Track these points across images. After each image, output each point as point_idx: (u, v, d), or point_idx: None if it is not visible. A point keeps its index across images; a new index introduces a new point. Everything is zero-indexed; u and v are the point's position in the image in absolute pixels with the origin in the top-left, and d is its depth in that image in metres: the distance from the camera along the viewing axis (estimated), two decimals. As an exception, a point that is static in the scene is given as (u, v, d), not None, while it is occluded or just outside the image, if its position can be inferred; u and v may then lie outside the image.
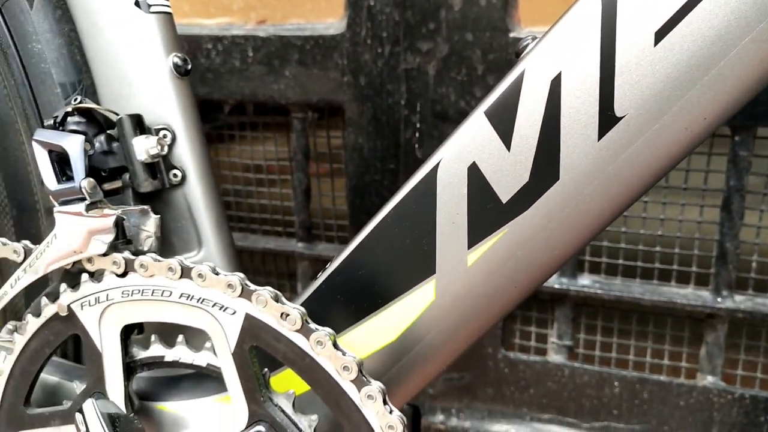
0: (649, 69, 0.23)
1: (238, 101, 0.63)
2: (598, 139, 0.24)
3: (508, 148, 0.26)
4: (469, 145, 0.26)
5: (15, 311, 0.36)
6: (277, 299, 0.26)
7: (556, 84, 0.25)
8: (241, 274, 0.27)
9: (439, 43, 0.53)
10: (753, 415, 0.54)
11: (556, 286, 0.56)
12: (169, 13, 0.33)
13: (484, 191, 0.26)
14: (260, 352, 0.27)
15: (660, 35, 0.23)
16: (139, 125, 0.31)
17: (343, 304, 0.29)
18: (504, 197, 0.26)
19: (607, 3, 0.24)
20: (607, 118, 0.24)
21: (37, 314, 0.30)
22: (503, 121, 0.26)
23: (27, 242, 0.31)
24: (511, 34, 0.51)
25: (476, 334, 0.29)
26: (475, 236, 0.27)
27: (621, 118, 0.24)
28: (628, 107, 0.24)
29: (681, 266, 0.55)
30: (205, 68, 0.62)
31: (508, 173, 0.26)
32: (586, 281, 0.56)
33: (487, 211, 0.26)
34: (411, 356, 0.29)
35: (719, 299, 0.53)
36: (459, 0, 0.52)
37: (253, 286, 0.27)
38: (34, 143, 0.29)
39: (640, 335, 0.58)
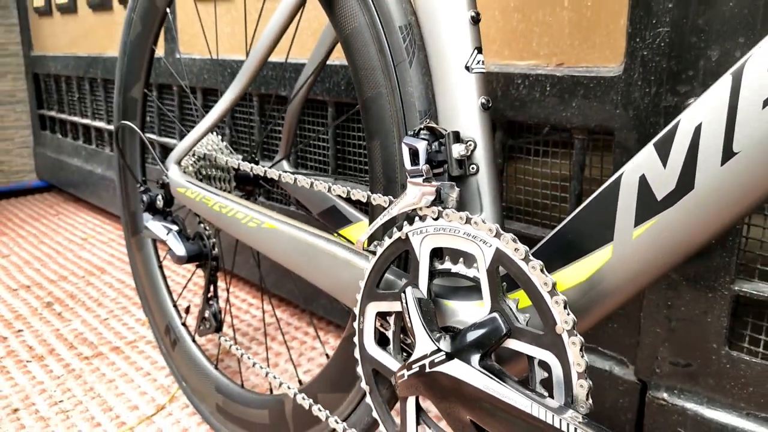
0: (758, 123, 0.37)
1: (536, 123, 0.83)
2: (721, 165, 0.39)
3: (665, 167, 0.41)
4: (641, 163, 0.43)
5: (378, 237, 0.62)
6: (515, 241, 0.46)
7: (698, 129, 0.40)
8: (498, 225, 0.48)
9: (695, 87, 0.66)
10: None
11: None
12: (484, 72, 0.55)
13: (647, 192, 0.42)
14: (505, 276, 0.48)
15: (767, 102, 0.37)
16: (456, 137, 0.53)
17: (557, 252, 0.48)
18: (659, 197, 0.42)
19: (735, 81, 0.38)
20: (728, 152, 0.38)
21: (390, 237, 0.56)
22: (664, 150, 0.41)
23: (391, 197, 0.57)
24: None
25: (636, 287, 0.44)
26: (638, 219, 0.43)
27: (737, 152, 0.38)
28: (743, 146, 0.38)
29: None
30: (515, 97, 0.83)
31: (662, 182, 0.41)
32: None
33: (647, 204, 0.42)
34: (592, 294, 0.46)
35: None
36: (717, 53, 0.64)
37: (503, 233, 0.47)
38: (403, 144, 0.54)
39: None
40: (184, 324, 1.03)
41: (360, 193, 0.61)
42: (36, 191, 2.53)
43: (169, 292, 1.08)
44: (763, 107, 0.37)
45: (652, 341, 0.74)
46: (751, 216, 0.67)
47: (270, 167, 0.76)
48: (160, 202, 0.85)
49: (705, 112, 0.39)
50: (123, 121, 0.98)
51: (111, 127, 1.96)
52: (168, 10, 0.95)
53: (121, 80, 1.05)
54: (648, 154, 0.42)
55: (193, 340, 1.01)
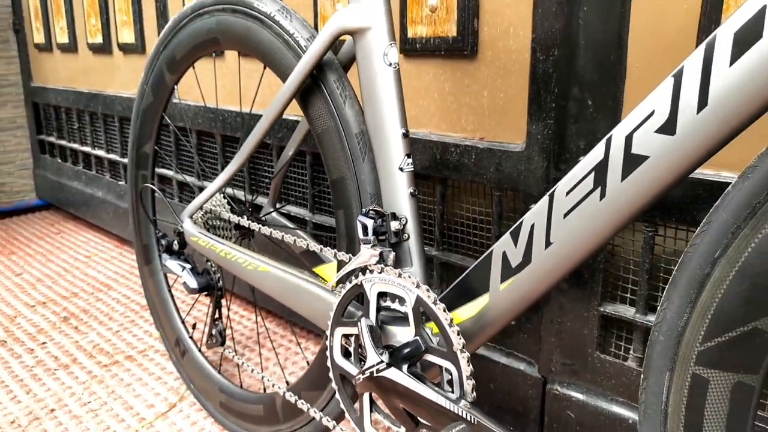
0: (564, 226, 0.62)
1: (468, 181, 1.08)
2: (545, 249, 0.64)
3: (516, 246, 0.66)
4: (504, 243, 0.68)
5: (343, 281, 0.87)
6: (428, 291, 0.71)
7: (532, 228, 0.65)
8: (419, 279, 0.72)
9: (571, 166, 0.91)
10: None
11: None
12: (412, 171, 0.80)
13: (506, 261, 0.68)
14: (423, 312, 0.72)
15: (568, 213, 0.62)
16: (393, 216, 0.78)
17: (457, 296, 0.73)
18: (513, 265, 0.67)
19: (550, 198, 0.63)
20: (548, 243, 0.64)
21: (351, 282, 0.80)
22: (515, 236, 0.67)
23: (351, 254, 0.82)
24: None
25: (506, 321, 0.70)
26: (503, 278, 0.68)
27: (552, 243, 0.63)
28: (557, 238, 0.63)
29: None
30: (449, 161, 1.08)
31: (514, 256, 0.67)
32: None
33: (507, 269, 0.68)
34: (478, 325, 0.71)
35: None
36: (583, 143, 0.90)
37: (421, 285, 0.72)
38: (357, 221, 0.78)
39: None
40: (191, 337, 1.27)
41: (329, 252, 0.85)
42: (36, 209, 2.73)
43: (178, 311, 1.32)
44: (565, 217, 0.62)
45: (549, 348, 1.00)
46: (609, 261, 0.93)
47: (262, 216, 1.00)
48: (176, 246, 1.09)
49: (535, 215, 0.65)
50: (146, 184, 1.21)
51: (111, 156, 2.18)
52: (176, 86, 1.19)
53: (134, 139, 1.28)
54: (507, 238, 0.68)
55: (199, 350, 1.25)
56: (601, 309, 0.94)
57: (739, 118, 0.51)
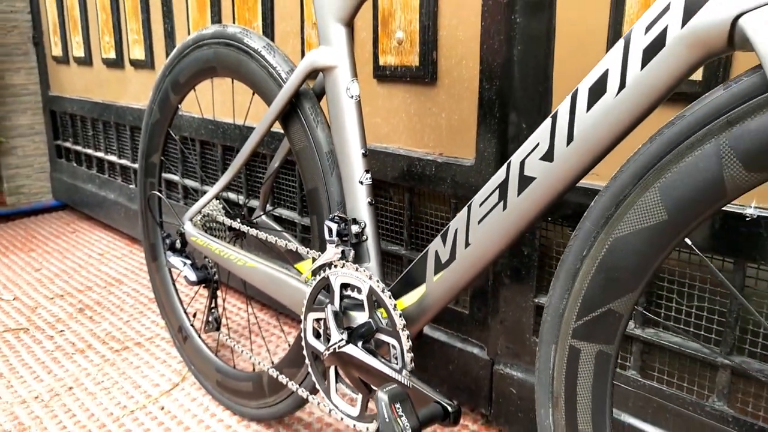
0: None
1: (428, 191, 1.25)
2: (465, 248, 0.81)
3: (444, 246, 0.83)
4: (436, 243, 0.85)
5: (314, 274, 1.04)
6: (378, 282, 0.88)
7: (454, 231, 0.82)
8: (372, 272, 0.89)
9: (509, 179, 1.08)
10: None
11: None
12: (371, 183, 0.96)
13: (437, 257, 0.85)
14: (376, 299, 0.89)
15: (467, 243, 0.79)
16: (354, 221, 0.95)
17: (403, 286, 0.90)
18: (443, 260, 0.84)
19: (467, 209, 0.80)
20: (466, 243, 0.80)
21: (319, 275, 0.97)
22: (444, 237, 0.84)
23: (320, 252, 0.98)
24: None
25: (440, 306, 0.86)
26: (436, 271, 0.85)
27: (470, 244, 0.80)
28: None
29: None
30: (414, 173, 1.25)
31: (444, 253, 0.84)
32: None
33: (438, 264, 0.85)
34: (418, 310, 0.88)
35: None
36: (519, 160, 1.06)
37: (374, 277, 0.89)
38: (325, 225, 0.95)
39: None
40: (192, 325, 1.44)
41: (303, 250, 1.02)
42: (52, 209, 2.92)
43: (181, 302, 1.49)
44: (479, 223, 0.79)
45: (495, 334, 1.17)
46: (542, 260, 1.09)
47: (253, 218, 1.17)
48: (178, 245, 1.26)
49: (458, 221, 0.81)
50: (153, 191, 1.39)
51: (123, 162, 2.36)
52: (180, 105, 1.36)
53: (143, 150, 1.46)
54: (438, 239, 0.84)
55: (199, 337, 1.42)
56: (536, 300, 1.10)
57: (597, 150, 0.67)
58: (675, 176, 0.62)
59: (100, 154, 2.50)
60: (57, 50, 2.59)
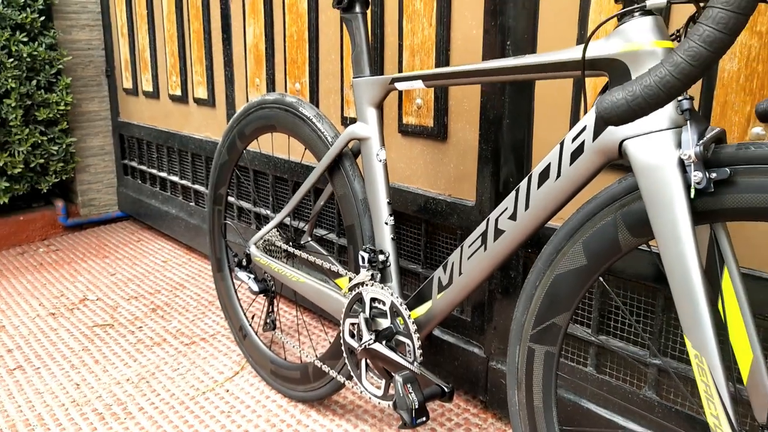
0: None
1: (441, 224, 1.58)
2: (459, 275, 1.14)
3: (445, 272, 1.17)
4: (439, 272, 1.18)
5: (352, 290, 1.38)
6: (397, 298, 1.21)
7: (451, 266, 1.15)
8: (394, 290, 1.23)
9: (500, 219, 1.41)
10: None
11: None
12: (393, 225, 1.30)
13: (439, 281, 1.18)
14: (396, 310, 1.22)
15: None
16: (381, 251, 1.29)
17: (416, 300, 1.23)
18: (444, 284, 1.17)
19: (448, 261, 1.13)
20: (458, 275, 1.13)
21: (355, 291, 1.31)
22: (444, 268, 1.17)
23: (355, 274, 1.32)
24: None
25: (443, 317, 1.20)
26: (438, 291, 1.18)
27: (462, 274, 1.13)
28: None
29: None
30: (430, 209, 1.58)
31: (445, 278, 1.17)
32: None
33: (440, 285, 1.18)
34: (426, 319, 1.21)
35: None
36: (508, 205, 1.39)
37: (396, 294, 1.22)
38: (359, 254, 1.29)
39: None
40: (250, 325, 1.80)
41: (342, 270, 1.37)
42: (118, 220, 3.33)
43: (241, 306, 1.85)
44: (468, 259, 1.12)
45: (490, 337, 1.50)
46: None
47: (302, 242, 1.53)
48: (244, 263, 1.62)
49: (454, 256, 1.14)
50: (225, 221, 1.75)
51: (184, 182, 2.74)
52: (245, 150, 1.72)
53: (213, 183, 1.82)
54: (441, 268, 1.18)
55: (256, 334, 1.78)
56: (520, 312, 1.43)
57: (544, 215, 1.00)
58: (591, 236, 0.94)
59: (163, 174, 2.89)
60: (127, 83, 2.98)
